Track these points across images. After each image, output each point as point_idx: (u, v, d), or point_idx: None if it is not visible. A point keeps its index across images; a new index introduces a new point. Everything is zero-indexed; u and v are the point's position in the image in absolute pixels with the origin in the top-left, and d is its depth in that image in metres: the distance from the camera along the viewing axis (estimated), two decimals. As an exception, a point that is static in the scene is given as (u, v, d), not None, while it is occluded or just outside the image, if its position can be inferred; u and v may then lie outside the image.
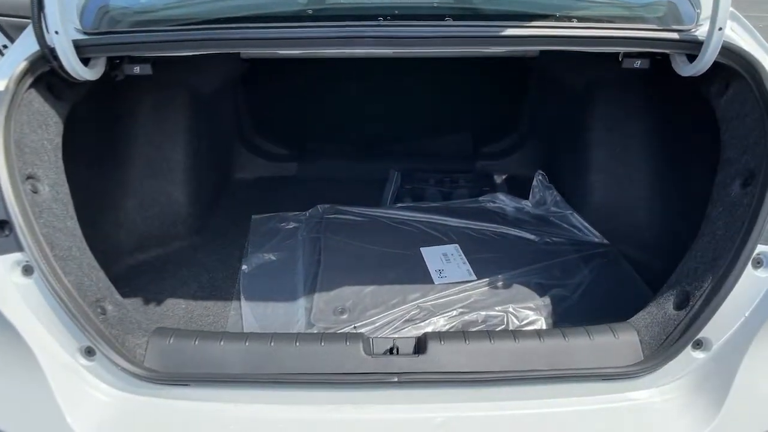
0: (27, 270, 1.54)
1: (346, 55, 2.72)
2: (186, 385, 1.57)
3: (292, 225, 2.83)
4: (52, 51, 1.71)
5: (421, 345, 1.66)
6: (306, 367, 1.59)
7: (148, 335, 1.65)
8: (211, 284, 2.38)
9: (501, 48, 1.95)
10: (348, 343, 1.63)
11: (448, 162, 3.37)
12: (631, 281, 2.41)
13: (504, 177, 3.26)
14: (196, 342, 1.61)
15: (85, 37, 1.77)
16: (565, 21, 1.85)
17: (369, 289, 2.32)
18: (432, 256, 2.55)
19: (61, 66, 1.74)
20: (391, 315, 2.17)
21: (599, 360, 1.61)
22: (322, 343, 1.63)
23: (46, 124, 1.75)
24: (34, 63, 1.71)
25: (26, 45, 1.74)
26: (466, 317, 2.15)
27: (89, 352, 1.56)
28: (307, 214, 2.89)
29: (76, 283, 1.57)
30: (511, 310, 2.16)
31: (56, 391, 1.51)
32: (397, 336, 1.91)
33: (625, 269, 2.48)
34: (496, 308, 2.18)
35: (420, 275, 2.42)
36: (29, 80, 1.71)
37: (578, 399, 1.56)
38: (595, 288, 2.35)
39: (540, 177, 2.94)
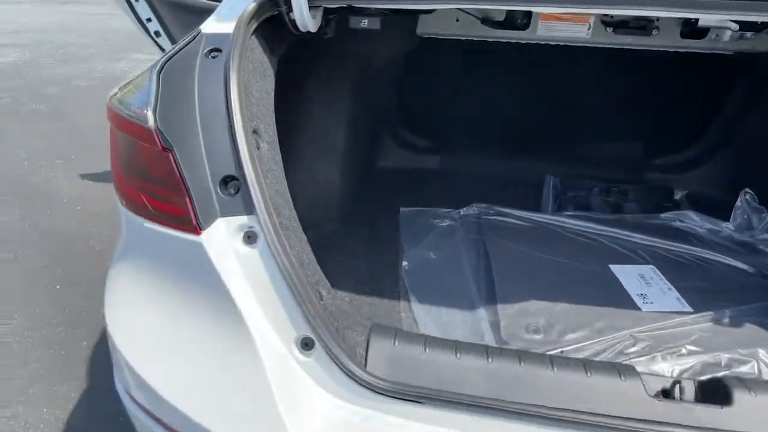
0: (250, 237, 1.20)
1: (548, 37, 2.36)
2: (419, 402, 1.16)
3: (446, 222, 2.44)
4: None
5: (718, 392, 1.21)
6: (570, 401, 1.17)
7: (367, 332, 1.25)
8: (370, 278, 1.99)
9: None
10: (623, 378, 1.20)
11: (612, 171, 2.93)
12: None
13: (685, 192, 2.79)
14: (427, 349, 1.21)
15: None
16: None
17: (560, 306, 1.90)
18: (626, 275, 2.10)
19: (289, 10, 1.45)
20: (601, 343, 1.73)
21: None
22: (589, 374, 1.21)
23: (265, 75, 1.46)
24: (262, 6, 1.43)
25: None
26: (703, 358, 1.69)
27: (306, 345, 1.18)
28: (461, 213, 2.49)
29: (298, 258, 1.20)
30: (761, 355, 1.70)
31: (276, 392, 1.13)
32: (675, 375, 1.46)
33: None
34: (740, 351, 1.72)
35: (619, 297, 1.98)
36: (254, 25, 1.41)
37: None
38: None
39: (747, 197, 2.46)
